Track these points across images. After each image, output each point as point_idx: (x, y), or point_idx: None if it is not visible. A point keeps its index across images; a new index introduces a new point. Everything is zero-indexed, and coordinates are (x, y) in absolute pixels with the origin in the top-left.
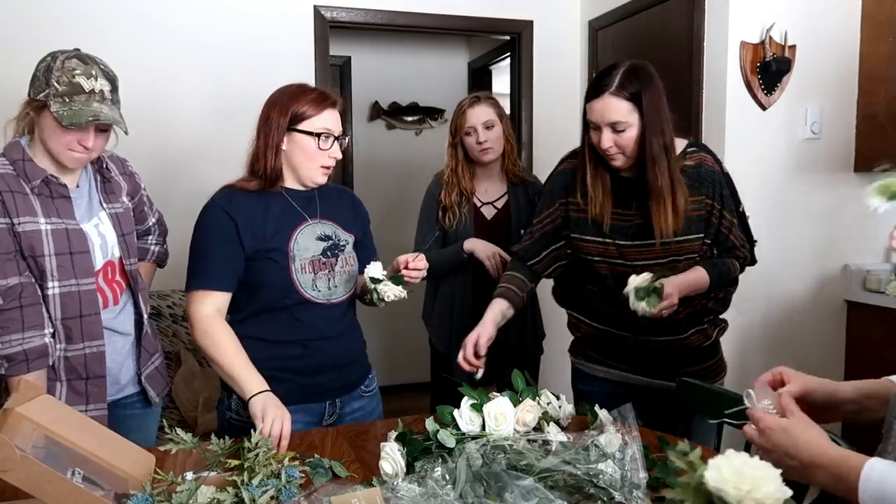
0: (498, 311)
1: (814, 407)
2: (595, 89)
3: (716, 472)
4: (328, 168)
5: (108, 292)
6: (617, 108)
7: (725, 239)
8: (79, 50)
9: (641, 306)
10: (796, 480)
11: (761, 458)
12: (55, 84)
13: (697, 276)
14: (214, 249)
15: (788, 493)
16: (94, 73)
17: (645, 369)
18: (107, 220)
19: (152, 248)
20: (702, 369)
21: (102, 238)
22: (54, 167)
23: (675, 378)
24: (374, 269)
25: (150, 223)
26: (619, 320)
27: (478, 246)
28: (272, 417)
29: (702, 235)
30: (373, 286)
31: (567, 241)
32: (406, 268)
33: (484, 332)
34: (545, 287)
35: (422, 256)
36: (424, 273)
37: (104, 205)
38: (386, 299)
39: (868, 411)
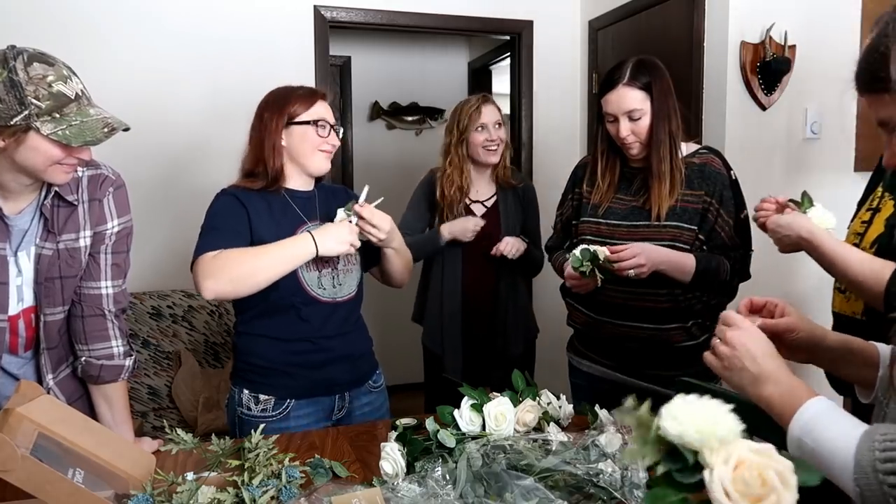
0: None
1: (794, 345)
2: (609, 83)
3: (674, 421)
4: (328, 153)
5: (22, 338)
6: (631, 97)
7: (717, 237)
8: (15, 46)
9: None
10: (737, 392)
11: (716, 359)
12: (35, 101)
13: (680, 257)
14: (225, 224)
15: (741, 425)
16: (65, 73)
17: (628, 367)
18: (30, 259)
19: (125, 361)
20: (695, 373)
21: (22, 277)
22: None
23: (660, 380)
24: (340, 214)
25: (103, 290)
26: (602, 306)
27: (454, 228)
28: (339, 226)
29: (695, 228)
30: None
31: (575, 228)
32: (361, 218)
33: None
34: (542, 285)
35: (378, 212)
36: (381, 234)
37: (37, 240)
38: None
39: (845, 365)
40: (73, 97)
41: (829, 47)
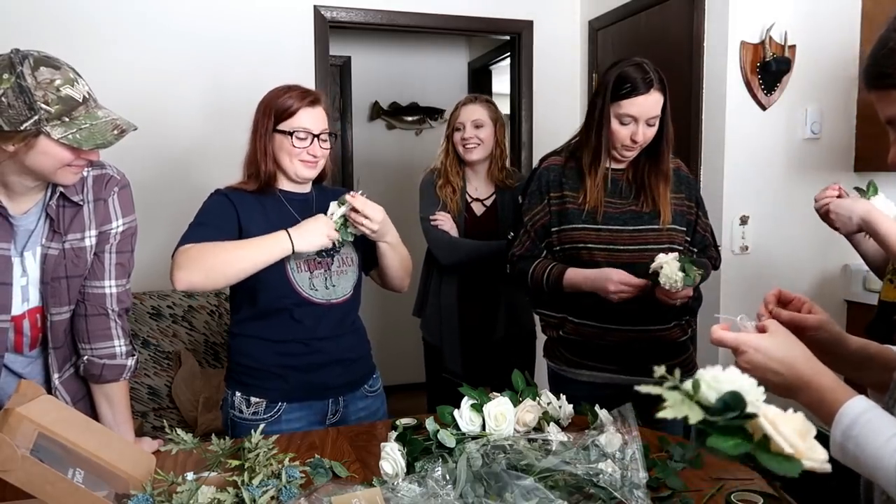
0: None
1: (815, 342)
2: (639, 86)
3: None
4: (308, 163)
5: (27, 338)
6: (658, 102)
7: (702, 238)
8: (19, 50)
9: (680, 276)
10: (782, 396)
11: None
12: (44, 106)
13: None
14: (210, 220)
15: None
16: (71, 76)
17: (634, 367)
18: (35, 259)
19: (127, 361)
20: (678, 363)
21: (27, 277)
22: (2, 191)
23: (651, 373)
24: (333, 207)
25: (106, 289)
26: (609, 313)
27: None
28: (314, 220)
29: (684, 230)
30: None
31: (556, 235)
32: (354, 210)
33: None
34: None
35: (370, 203)
36: (374, 225)
37: (43, 240)
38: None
39: (864, 370)
40: (80, 100)
41: (829, 47)
